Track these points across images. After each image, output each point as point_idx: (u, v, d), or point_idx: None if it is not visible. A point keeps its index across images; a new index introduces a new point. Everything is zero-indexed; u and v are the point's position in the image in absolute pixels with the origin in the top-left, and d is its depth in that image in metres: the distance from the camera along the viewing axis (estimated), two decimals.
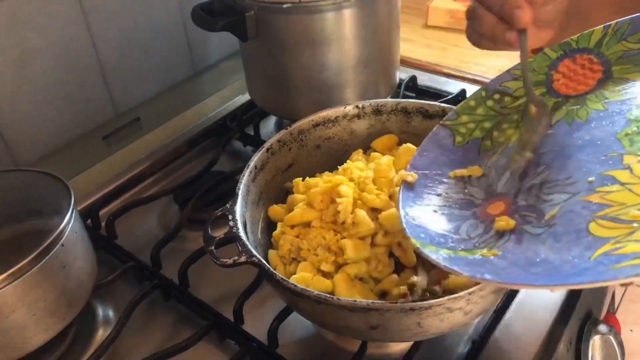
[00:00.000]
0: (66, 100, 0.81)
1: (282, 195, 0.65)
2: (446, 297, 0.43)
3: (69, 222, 0.55)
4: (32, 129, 0.79)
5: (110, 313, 0.65)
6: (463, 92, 0.92)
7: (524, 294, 0.60)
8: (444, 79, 1.00)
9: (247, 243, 0.51)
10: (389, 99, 0.67)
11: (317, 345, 0.60)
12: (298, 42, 0.75)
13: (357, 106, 0.67)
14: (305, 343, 0.60)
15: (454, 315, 0.45)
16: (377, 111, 0.67)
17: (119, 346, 0.61)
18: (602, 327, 0.61)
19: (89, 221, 0.75)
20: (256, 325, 0.60)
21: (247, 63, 0.84)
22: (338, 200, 0.56)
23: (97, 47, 0.82)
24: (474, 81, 0.98)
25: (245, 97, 0.96)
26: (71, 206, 0.56)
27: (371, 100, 0.67)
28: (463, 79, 1.00)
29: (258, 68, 0.82)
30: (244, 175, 0.59)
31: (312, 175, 0.65)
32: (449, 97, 0.91)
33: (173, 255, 0.69)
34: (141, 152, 0.87)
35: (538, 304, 0.60)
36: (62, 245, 0.54)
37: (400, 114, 0.67)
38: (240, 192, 0.57)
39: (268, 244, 0.61)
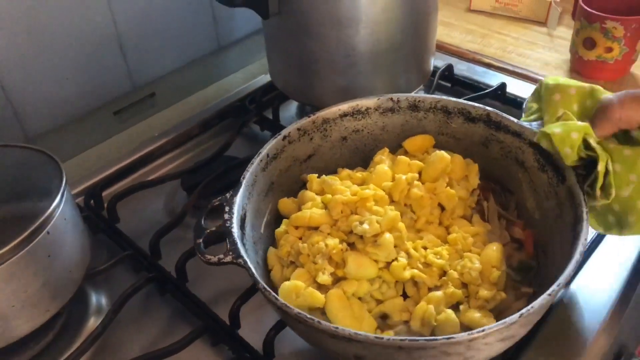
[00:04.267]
0: (81, 72, 0.77)
1: (298, 187, 0.60)
2: (440, 340, 0.38)
3: (58, 207, 0.51)
4: (44, 100, 0.75)
5: (104, 301, 0.62)
6: (503, 85, 0.84)
7: (551, 327, 0.54)
8: (483, 69, 0.92)
9: (238, 241, 0.47)
10: (427, 95, 0.60)
11: (316, 358, 0.55)
12: (323, 22, 0.69)
13: (391, 99, 0.61)
14: (303, 355, 0.55)
15: (452, 358, 0.40)
16: (414, 107, 0.60)
17: (109, 339, 0.57)
18: None
19: (92, 202, 0.71)
20: (254, 330, 0.56)
21: (269, 42, 0.79)
22: (367, 218, 0.50)
23: (115, 15, 0.78)
24: (515, 74, 0.90)
25: (268, 77, 0.91)
26: (61, 189, 0.52)
27: (408, 95, 0.61)
28: (504, 70, 0.91)
29: (279, 48, 0.76)
30: (252, 164, 0.55)
31: (334, 170, 0.60)
32: (487, 90, 0.84)
33: (175, 244, 0.65)
34: (153, 131, 0.83)
35: (566, 338, 0.53)
36: (48, 232, 0.50)
37: (440, 112, 0.60)
38: (244, 182, 0.53)
39: (271, 238, 0.56)
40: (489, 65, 0.93)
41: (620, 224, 0.50)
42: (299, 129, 0.59)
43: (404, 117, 0.61)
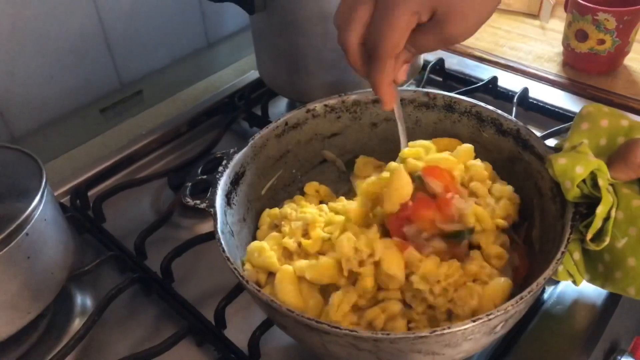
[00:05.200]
0: (67, 70, 0.76)
1: (317, 161, 0.61)
2: (344, 331, 0.38)
3: (37, 208, 0.50)
4: (30, 99, 0.74)
5: (89, 302, 0.61)
6: (494, 79, 0.83)
7: (541, 323, 0.53)
8: (475, 62, 0.91)
9: (219, 192, 0.50)
10: (464, 97, 0.58)
11: (303, 357, 0.54)
12: (309, 17, 0.68)
13: (427, 94, 0.59)
14: (289, 356, 0.54)
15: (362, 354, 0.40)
16: (449, 107, 0.59)
17: (94, 340, 0.57)
18: None
19: (77, 201, 0.70)
20: (239, 330, 0.55)
21: (256, 38, 0.78)
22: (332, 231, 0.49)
23: (101, 11, 0.76)
24: (507, 67, 0.89)
25: (257, 74, 0.90)
26: (41, 190, 0.51)
27: (445, 93, 0.59)
28: (496, 64, 0.90)
29: (267, 44, 0.75)
30: (267, 127, 0.56)
31: (360, 152, 0.61)
32: (478, 84, 0.83)
33: (162, 244, 0.64)
34: (140, 129, 0.82)
35: (556, 334, 0.53)
36: (27, 234, 0.49)
37: (474, 118, 0.57)
38: (251, 142, 0.55)
39: (273, 201, 0.58)
40: (480, 59, 0.92)
41: (605, 277, 0.46)
42: (325, 105, 0.59)
43: (437, 116, 0.59)
